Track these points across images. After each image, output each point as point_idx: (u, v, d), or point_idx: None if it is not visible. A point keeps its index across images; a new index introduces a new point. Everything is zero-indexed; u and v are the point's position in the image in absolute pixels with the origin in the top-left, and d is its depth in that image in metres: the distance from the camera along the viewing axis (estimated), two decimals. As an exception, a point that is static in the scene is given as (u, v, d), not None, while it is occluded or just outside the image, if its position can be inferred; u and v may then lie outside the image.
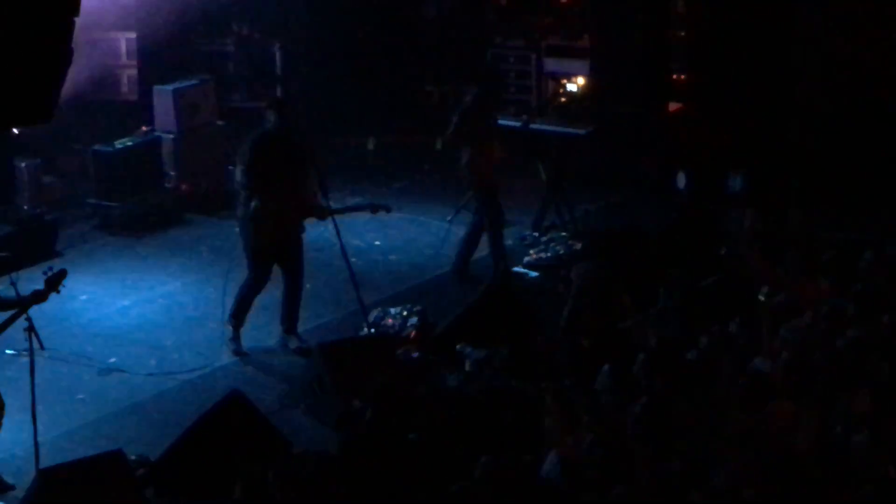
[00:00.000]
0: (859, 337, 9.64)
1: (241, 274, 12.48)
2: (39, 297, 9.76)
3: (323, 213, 12.23)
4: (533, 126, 15.84)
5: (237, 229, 12.46)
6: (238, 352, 12.24)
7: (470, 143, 13.73)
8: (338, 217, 12.19)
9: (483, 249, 14.22)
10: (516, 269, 13.87)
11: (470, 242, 14.05)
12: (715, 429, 8.75)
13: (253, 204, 11.90)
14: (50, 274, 9.79)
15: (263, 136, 12.11)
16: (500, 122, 14.61)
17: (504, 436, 9.31)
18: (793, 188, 14.71)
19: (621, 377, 9.58)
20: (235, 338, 12.29)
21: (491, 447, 8.75)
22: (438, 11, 18.54)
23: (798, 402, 9.00)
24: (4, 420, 10.03)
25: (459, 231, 14.82)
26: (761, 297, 10.38)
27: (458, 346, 11.45)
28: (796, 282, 11.34)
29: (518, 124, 15.54)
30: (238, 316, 12.30)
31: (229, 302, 12.33)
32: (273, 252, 12.16)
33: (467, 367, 11.21)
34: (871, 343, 9.66)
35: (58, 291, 9.86)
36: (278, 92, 17.94)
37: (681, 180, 16.01)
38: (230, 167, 15.80)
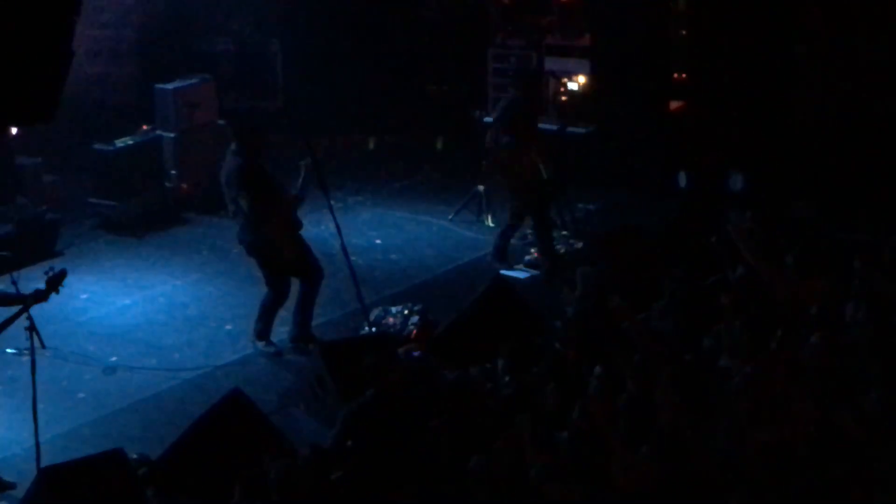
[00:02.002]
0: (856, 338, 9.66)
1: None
2: (40, 296, 9.77)
3: (296, 200, 12.27)
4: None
5: (248, 253, 12.36)
6: (278, 352, 12.30)
7: (506, 147, 14.15)
8: (337, 211, 12.28)
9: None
10: (505, 271, 13.85)
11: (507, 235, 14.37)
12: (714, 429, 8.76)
13: (265, 229, 11.90)
14: (51, 274, 9.80)
15: (242, 166, 12.01)
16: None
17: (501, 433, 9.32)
18: (793, 187, 14.73)
19: (615, 379, 9.56)
20: (268, 344, 12.34)
21: (488, 445, 8.78)
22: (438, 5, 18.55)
23: (797, 401, 9.01)
24: (5, 418, 10.05)
25: (459, 228, 14.95)
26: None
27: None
28: (794, 281, 11.33)
29: (555, 128, 15.62)
30: (264, 330, 12.34)
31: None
32: (292, 265, 12.18)
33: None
34: (870, 344, 9.66)
35: (57, 291, 9.87)
36: (279, 92, 17.95)
37: (682, 179, 16.01)
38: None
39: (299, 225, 12.22)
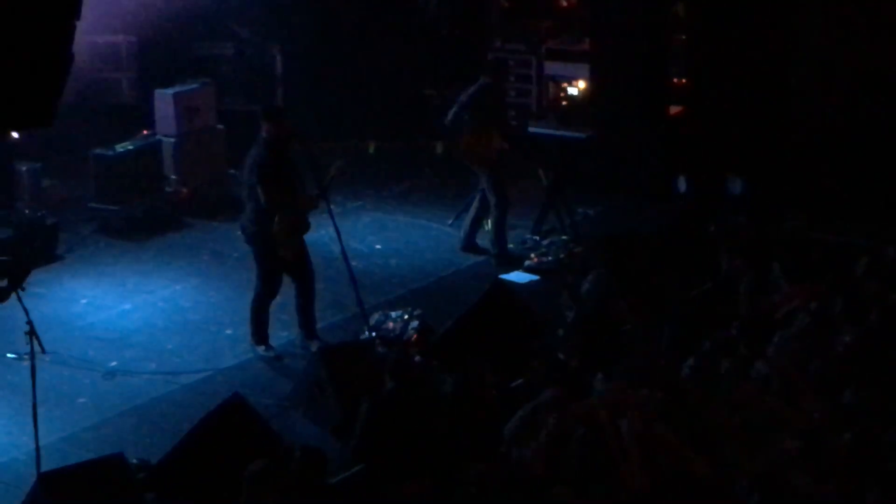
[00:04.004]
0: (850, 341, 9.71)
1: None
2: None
3: (315, 201, 12.23)
4: (531, 130, 15.94)
5: (248, 242, 12.35)
6: (278, 356, 12.27)
7: (470, 130, 14.45)
8: (337, 215, 12.25)
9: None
10: (505, 276, 13.87)
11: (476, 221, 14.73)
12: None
13: (276, 221, 11.89)
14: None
15: (263, 157, 11.99)
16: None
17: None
18: (792, 192, 14.76)
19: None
20: (268, 349, 12.31)
21: (489, 449, 8.79)
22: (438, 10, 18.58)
23: (791, 405, 9.05)
24: (6, 423, 10.04)
25: (459, 233, 14.98)
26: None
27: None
28: (792, 286, 11.36)
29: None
30: (260, 333, 12.31)
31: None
32: (288, 264, 12.16)
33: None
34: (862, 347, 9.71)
35: (23, 288, 9.84)
36: (278, 96, 17.95)
37: (681, 184, 16.03)
38: (231, 171, 15.88)
39: (306, 227, 12.19)
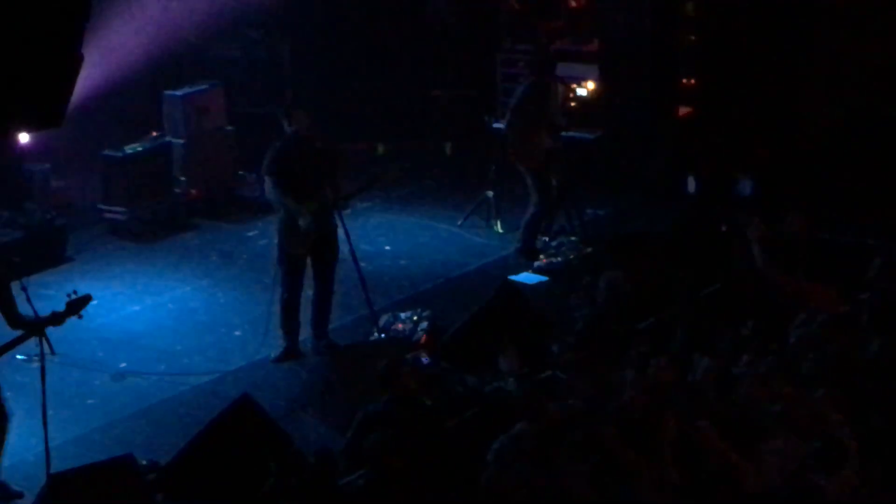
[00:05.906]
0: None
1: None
2: (57, 319, 9.72)
3: (345, 201, 12.23)
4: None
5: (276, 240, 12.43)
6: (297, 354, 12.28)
7: (518, 128, 14.46)
8: (346, 217, 12.28)
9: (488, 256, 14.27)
10: (514, 277, 13.84)
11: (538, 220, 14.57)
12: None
13: (281, 214, 11.93)
14: (73, 297, 9.75)
15: (282, 146, 12.09)
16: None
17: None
18: (802, 192, 14.72)
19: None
20: (289, 347, 12.28)
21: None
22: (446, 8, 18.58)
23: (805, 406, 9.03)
24: (15, 425, 10.05)
25: (468, 234, 14.96)
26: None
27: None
28: (805, 288, 11.33)
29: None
30: (288, 325, 12.24)
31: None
32: (308, 255, 12.17)
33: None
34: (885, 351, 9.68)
35: (80, 316, 9.83)
36: (287, 97, 17.96)
37: (690, 184, 16.01)
38: (241, 172, 15.89)
39: (327, 227, 12.16)
